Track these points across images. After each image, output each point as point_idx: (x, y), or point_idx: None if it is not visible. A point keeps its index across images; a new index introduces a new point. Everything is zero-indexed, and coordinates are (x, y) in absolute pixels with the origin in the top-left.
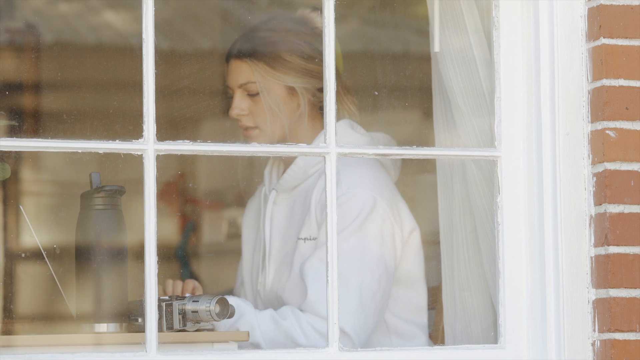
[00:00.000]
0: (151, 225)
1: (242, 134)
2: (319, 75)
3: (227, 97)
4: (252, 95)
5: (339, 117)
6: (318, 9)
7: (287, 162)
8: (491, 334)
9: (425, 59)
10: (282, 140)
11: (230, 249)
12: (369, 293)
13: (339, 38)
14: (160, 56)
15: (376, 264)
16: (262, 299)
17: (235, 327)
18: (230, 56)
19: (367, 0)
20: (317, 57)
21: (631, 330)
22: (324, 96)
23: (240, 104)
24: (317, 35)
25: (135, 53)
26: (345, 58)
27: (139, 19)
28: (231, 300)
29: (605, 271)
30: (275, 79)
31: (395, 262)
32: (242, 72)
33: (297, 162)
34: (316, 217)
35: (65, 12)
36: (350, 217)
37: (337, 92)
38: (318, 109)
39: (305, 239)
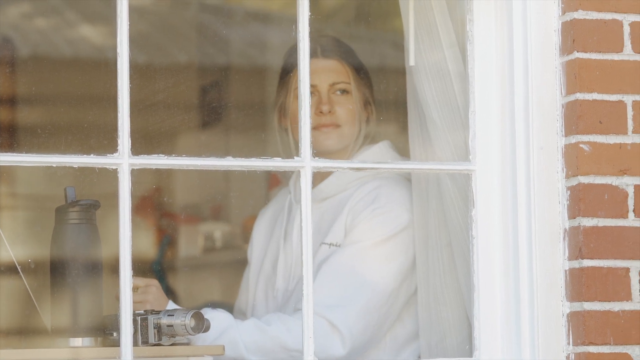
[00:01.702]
0: (126, 240)
1: (318, 131)
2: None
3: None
4: (341, 94)
5: (379, 139)
6: None
7: (321, 172)
8: (466, 348)
9: (400, 73)
10: (352, 145)
11: (206, 263)
12: (377, 302)
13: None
14: (135, 70)
15: (392, 278)
16: (279, 304)
17: (217, 343)
18: (320, 54)
19: (343, 14)
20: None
21: (605, 344)
22: (299, 110)
23: (331, 100)
24: None
25: (110, 67)
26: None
27: (113, 32)
28: (213, 314)
29: (580, 284)
30: (359, 86)
31: (412, 285)
32: (336, 71)
33: (336, 173)
34: (346, 223)
35: (41, 26)
36: (383, 228)
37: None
38: None
39: (330, 244)
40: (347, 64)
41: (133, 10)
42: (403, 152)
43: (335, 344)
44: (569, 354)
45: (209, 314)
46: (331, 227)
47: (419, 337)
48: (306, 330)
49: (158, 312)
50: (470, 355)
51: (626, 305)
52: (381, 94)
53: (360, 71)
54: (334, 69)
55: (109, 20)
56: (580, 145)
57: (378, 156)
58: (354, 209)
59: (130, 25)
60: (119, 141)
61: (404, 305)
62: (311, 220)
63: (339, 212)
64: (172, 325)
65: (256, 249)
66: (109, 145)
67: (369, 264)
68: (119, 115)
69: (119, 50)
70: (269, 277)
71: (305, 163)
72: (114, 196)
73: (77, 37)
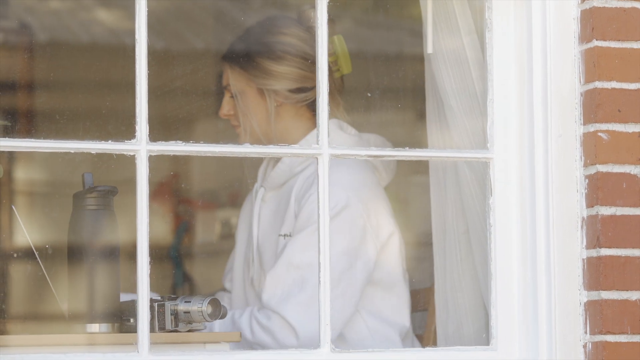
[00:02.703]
0: (143, 226)
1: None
2: (293, 77)
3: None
4: (231, 96)
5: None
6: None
7: (277, 160)
8: (483, 336)
9: (418, 60)
10: (260, 139)
11: (224, 249)
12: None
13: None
14: (153, 56)
15: (337, 259)
16: (256, 293)
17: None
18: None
19: (361, 1)
20: (296, 58)
21: (622, 333)
22: (317, 97)
23: (225, 104)
24: (311, 34)
25: (128, 52)
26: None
27: (131, 17)
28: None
29: (597, 273)
30: (248, 81)
31: (369, 263)
32: (226, 74)
33: (284, 160)
34: (295, 212)
35: (57, 10)
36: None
37: (334, 95)
38: (305, 107)
39: (284, 235)
40: (231, 64)
41: None
42: (421, 139)
43: (289, 338)
44: (586, 343)
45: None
46: (284, 217)
47: (400, 315)
48: (323, 318)
49: (175, 299)
50: (487, 343)
51: None
52: (399, 80)
53: (249, 64)
54: (225, 72)
55: (125, 4)
56: (599, 134)
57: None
58: (297, 197)
59: (148, 11)
60: (137, 127)
61: (370, 285)
62: (271, 209)
63: (288, 200)
64: (189, 312)
65: (239, 236)
66: (127, 131)
67: (313, 250)
68: (137, 101)
69: (137, 36)
70: (247, 263)
71: (322, 150)
72: (132, 182)
73: (94, 21)
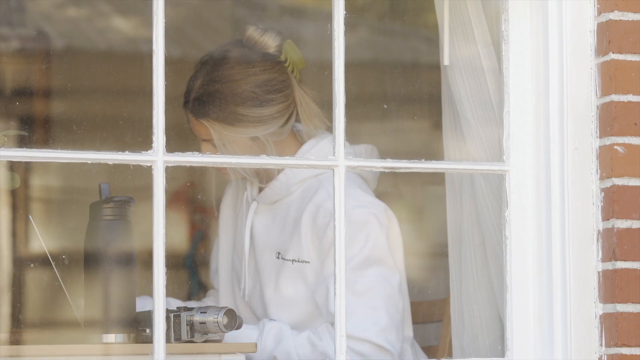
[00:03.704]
0: (159, 237)
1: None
2: (281, 112)
3: None
4: (216, 147)
5: (316, 132)
6: (262, 28)
7: (269, 174)
8: (498, 348)
9: (434, 69)
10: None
11: None
12: (392, 305)
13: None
14: (170, 67)
15: (391, 274)
16: (246, 304)
17: (275, 352)
18: (185, 109)
19: (377, 8)
20: (278, 94)
21: (638, 345)
22: (333, 109)
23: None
24: (257, 53)
25: (145, 61)
26: (354, 67)
27: (149, 24)
28: (272, 324)
29: (613, 286)
30: (235, 133)
31: (398, 270)
32: (202, 130)
33: (279, 177)
34: (312, 241)
35: (74, 18)
36: (355, 235)
37: (309, 104)
38: (290, 134)
39: (293, 260)
40: (209, 121)
41: (167, 4)
42: (437, 149)
43: None
44: (601, 356)
45: (268, 324)
46: (290, 241)
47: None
48: (338, 330)
49: (191, 309)
50: (503, 355)
51: None
52: (415, 91)
53: (232, 117)
54: (200, 127)
55: (143, 10)
56: (615, 147)
57: (315, 152)
58: (315, 227)
59: (165, 20)
60: (154, 138)
61: None
62: (264, 224)
63: (290, 222)
64: (204, 323)
65: (223, 231)
66: (144, 142)
67: (368, 274)
68: (154, 112)
69: (154, 47)
70: (237, 271)
71: (339, 162)
72: (148, 189)
73: (110, 29)
